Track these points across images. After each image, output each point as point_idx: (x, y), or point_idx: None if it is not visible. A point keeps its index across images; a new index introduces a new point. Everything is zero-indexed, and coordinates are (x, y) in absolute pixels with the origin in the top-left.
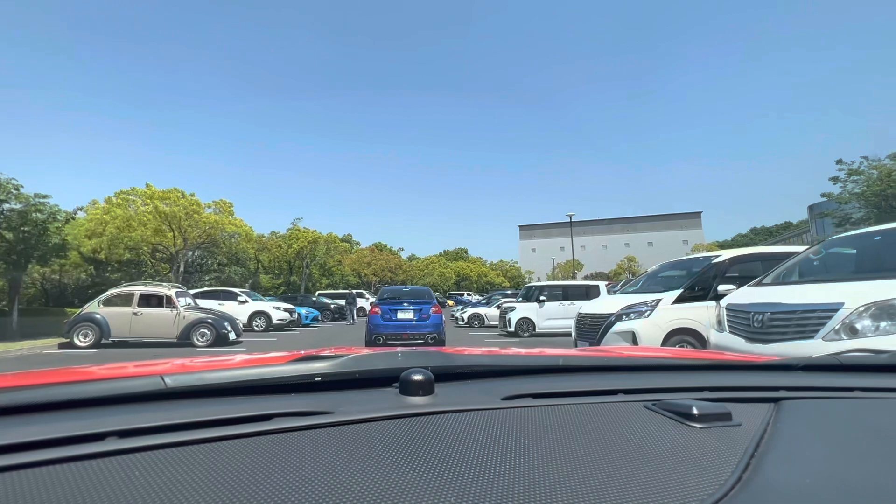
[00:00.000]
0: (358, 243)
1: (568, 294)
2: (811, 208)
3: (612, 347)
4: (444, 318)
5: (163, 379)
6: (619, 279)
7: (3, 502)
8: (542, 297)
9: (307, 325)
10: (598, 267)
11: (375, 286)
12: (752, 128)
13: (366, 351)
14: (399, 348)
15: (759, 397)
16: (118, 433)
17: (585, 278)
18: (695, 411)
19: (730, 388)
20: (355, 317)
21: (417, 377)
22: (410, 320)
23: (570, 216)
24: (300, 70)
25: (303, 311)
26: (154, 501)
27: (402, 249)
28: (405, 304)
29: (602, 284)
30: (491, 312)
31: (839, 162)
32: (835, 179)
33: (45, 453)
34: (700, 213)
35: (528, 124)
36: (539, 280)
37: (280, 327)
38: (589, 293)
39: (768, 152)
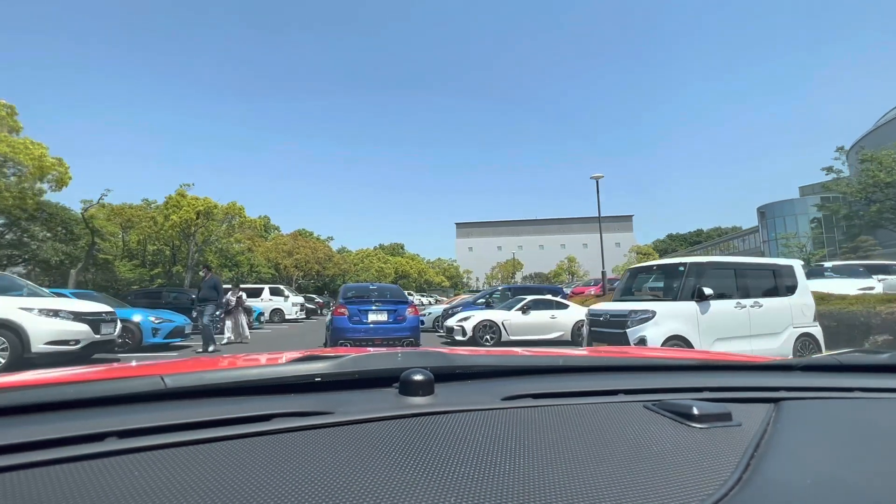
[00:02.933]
0: (277, 228)
1: (746, 283)
2: (761, 212)
3: (612, 348)
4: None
5: (162, 379)
6: (560, 280)
7: (3, 503)
8: (705, 290)
9: (160, 346)
10: (537, 267)
11: (298, 282)
12: (672, 136)
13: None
14: (398, 348)
15: (759, 397)
16: (118, 433)
17: (524, 279)
18: (695, 411)
19: (730, 388)
20: (243, 329)
21: (417, 377)
22: (384, 323)
23: (597, 177)
24: (220, 60)
25: (150, 318)
26: (154, 502)
27: (332, 239)
28: (377, 305)
29: (797, 263)
30: (514, 320)
31: (839, 149)
32: (828, 169)
33: (45, 453)
34: (632, 216)
35: (465, 121)
36: (478, 280)
37: (68, 356)
38: (779, 280)
39: (687, 160)
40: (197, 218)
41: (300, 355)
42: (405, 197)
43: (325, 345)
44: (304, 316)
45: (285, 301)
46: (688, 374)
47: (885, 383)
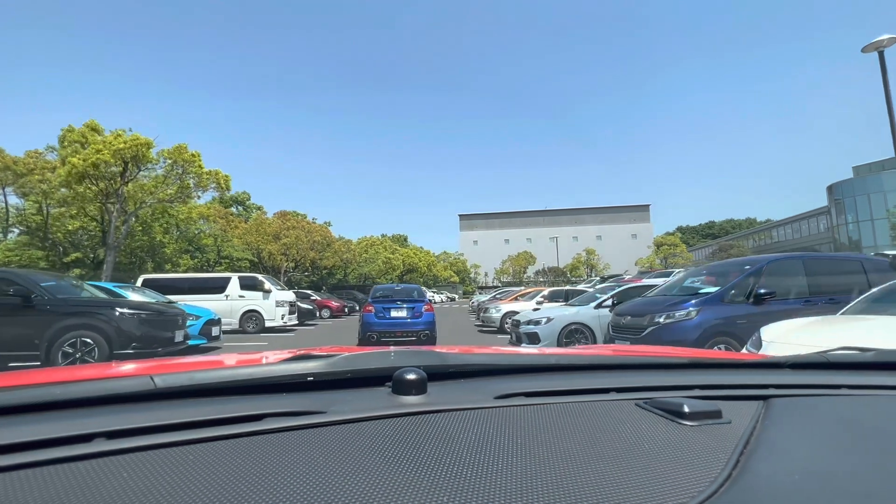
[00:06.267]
0: (260, 208)
1: None
2: (837, 200)
3: (606, 346)
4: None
5: (152, 379)
6: (577, 275)
7: None
8: None
9: None
10: (550, 260)
11: (288, 274)
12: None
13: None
14: (392, 347)
15: (749, 395)
16: (106, 434)
17: (538, 273)
18: (685, 409)
19: (720, 385)
20: None
21: (410, 376)
22: (404, 318)
23: (881, 44)
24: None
25: None
26: (143, 503)
27: (331, 224)
28: (399, 303)
29: None
30: None
31: None
32: None
33: (31, 455)
34: (649, 205)
35: (469, 114)
36: (487, 275)
37: None
38: None
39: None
40: (124, 170)
41: (293, 354)
42: (405, 187)
43: (359, 337)
44: (294, 322)
45: (265, 299)
46: (678, 372)
47: (871, 380)
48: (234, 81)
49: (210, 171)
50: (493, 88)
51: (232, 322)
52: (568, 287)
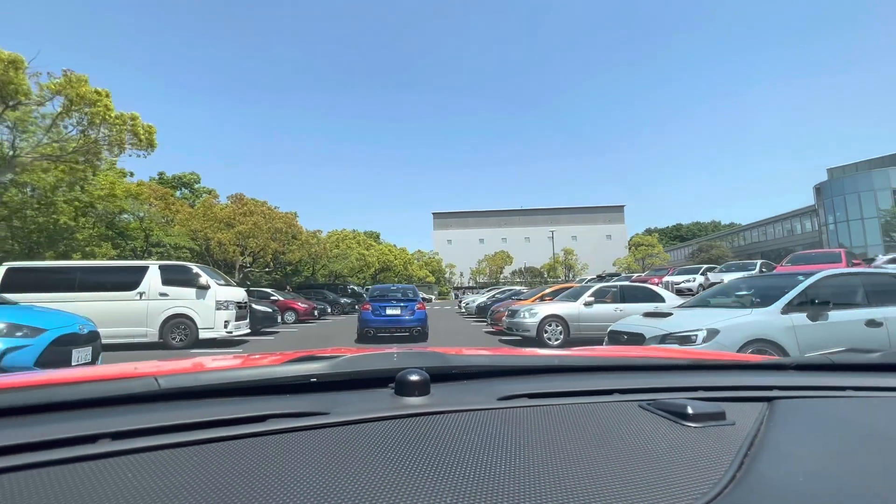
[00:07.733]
0: (211, 191)
1: None
2: (818, 189)
3: (608, 347)
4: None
5: (156, 380)
6: (554, 275)
7: None
8: None
9: None
10: (525, 260)
11: (246, 268)
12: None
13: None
14: (395, 348)
15: (753, 396)
16: (111, 435)
17: (514, 273)
18: (689, 411)
19: (724, 387)
20: None
21: (413, 377)
22: (398, 315)
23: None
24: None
25: None
26: (147, 503)
27: (297, 216)
28: (394, 302)
29: None
30: None
31: None
32: None
33: (36, 456)
34: (623, 206)
35: (443, 112)
36: (462, 276)
37: None
38: None
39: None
40: None
41: (296, 356)
42: (377, 183)
43: (357, 332)
44: (245, 330)
45: (199, 297)
46: (682, 373)
47: (876, 382)
48: (202, 75)
49: (120, 115)
50: (468, 87)
51: (149, 332)
52: (622, 283)
